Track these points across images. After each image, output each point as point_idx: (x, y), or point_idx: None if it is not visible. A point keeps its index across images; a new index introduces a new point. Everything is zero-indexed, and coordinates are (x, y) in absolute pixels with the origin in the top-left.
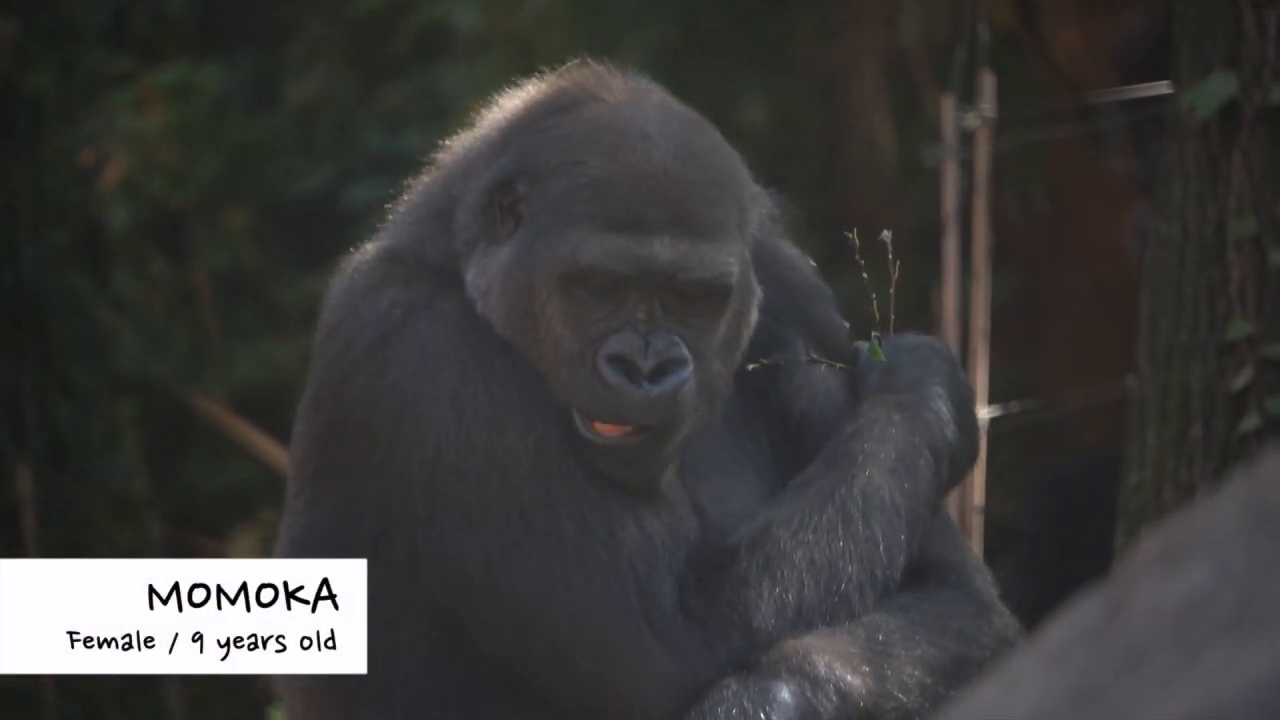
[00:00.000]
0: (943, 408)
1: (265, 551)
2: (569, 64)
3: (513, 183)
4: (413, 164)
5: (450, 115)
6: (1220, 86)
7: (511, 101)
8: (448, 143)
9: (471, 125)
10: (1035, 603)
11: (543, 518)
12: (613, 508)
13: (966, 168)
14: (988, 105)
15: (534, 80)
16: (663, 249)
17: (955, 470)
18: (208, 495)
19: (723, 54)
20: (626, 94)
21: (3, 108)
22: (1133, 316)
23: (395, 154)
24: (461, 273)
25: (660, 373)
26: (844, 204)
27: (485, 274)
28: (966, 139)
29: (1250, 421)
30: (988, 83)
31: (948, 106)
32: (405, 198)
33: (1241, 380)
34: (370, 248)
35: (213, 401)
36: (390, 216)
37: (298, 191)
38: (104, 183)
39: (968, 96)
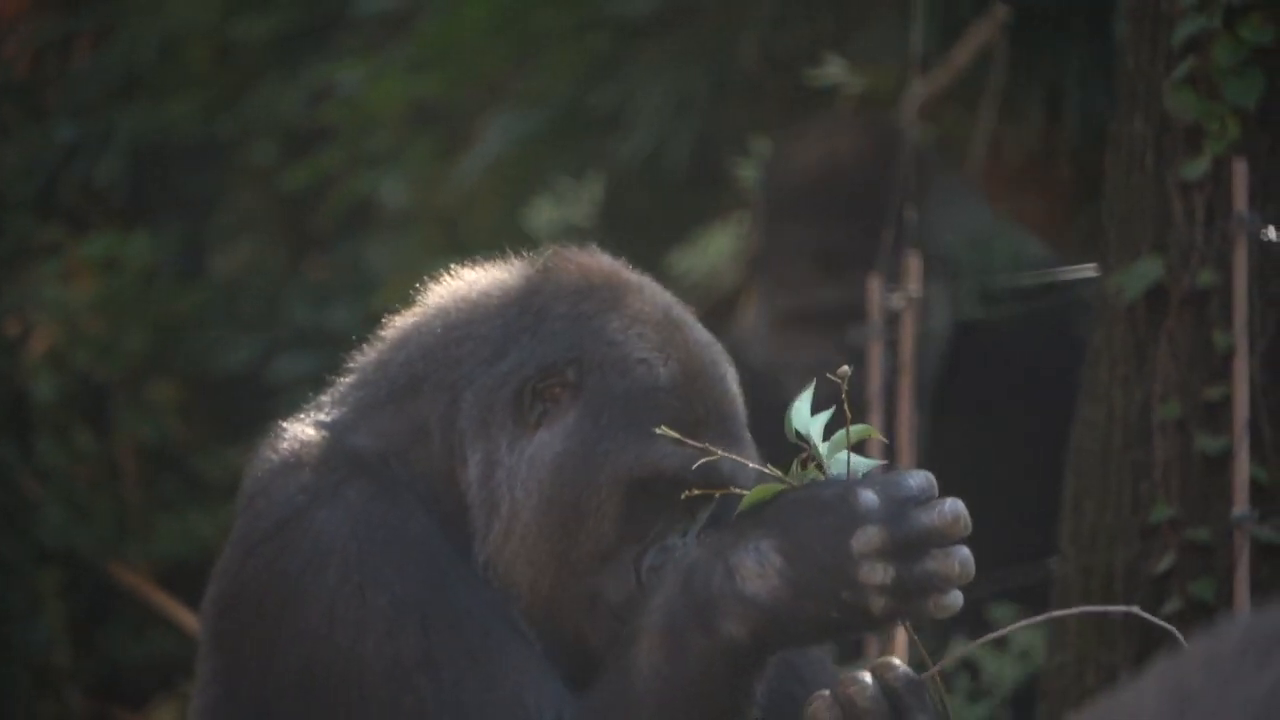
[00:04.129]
0: (745, 560)
1: None
2: (553, 245)
3: (560, 370)
4: (338, 337)
5: (375, 289)
6: (1148, 269)
7: (488, 277)
8: (394, 318)
9: (410, 300)
10: None
11: None
12: None
13: (891, 348)
14: (914, 285)
15: (507, 259)
16: (725, 459)
17: (775, 625)
18: (129, 667)
19: (644, 229)
20: (629, 276)
21: None
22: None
23: (320, 327)
24: (419, 454)
25: None
26: None
27: (516, 461)
28: (892, 319)
29: (1172, 605)
30: (914, 263)
31: (874, 287)
32: (346, 373)
33: (1164, 564)
34: (299, 422)
35: (135, 573)
36: (329, 391)
37: (224, 364)
38: (29, 353)
39: (893, 276)
